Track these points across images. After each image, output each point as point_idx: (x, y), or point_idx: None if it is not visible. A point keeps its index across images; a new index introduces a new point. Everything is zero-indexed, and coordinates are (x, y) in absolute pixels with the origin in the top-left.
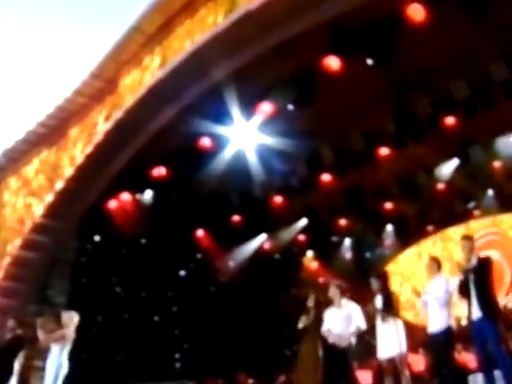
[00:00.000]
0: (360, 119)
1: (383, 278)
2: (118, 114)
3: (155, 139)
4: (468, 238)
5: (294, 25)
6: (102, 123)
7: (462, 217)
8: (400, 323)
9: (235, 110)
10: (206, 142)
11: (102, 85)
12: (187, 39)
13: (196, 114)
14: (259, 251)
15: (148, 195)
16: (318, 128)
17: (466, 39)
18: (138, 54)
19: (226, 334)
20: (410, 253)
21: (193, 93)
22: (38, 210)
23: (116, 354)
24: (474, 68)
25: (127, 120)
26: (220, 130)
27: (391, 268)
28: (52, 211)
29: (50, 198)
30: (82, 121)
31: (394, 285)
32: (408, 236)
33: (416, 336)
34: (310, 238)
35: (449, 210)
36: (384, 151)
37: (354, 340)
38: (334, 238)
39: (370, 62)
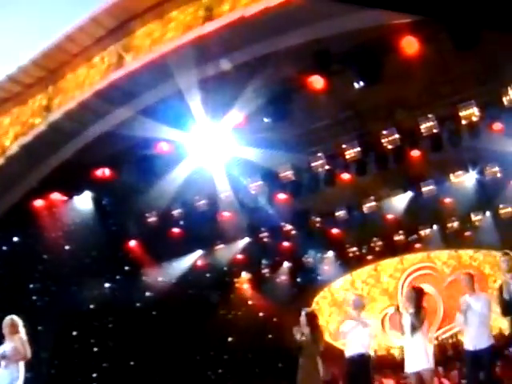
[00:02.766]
0: (324, 142)
1: (420, 293)
2: (55, 115)
3: (100, 141)
4: (507, 254)
5: (267, 44)
6: (39, 117)
7: (402, 249)
8: (427, 338)
9: (196, 118)
10: (161, 147)
11: (43, 74)
12: (150, 42)
13: (152, 119)
14: (192, 268)
15: (83, 198)
16: (280, 145)
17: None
18: (90, 49)
19: (150, 353)
20: (343, 281)
21: (149, 99)
22: None
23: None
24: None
25: (66, 122)
26: (175, 136)
27: (324, 294)
28: None
29: None
30: (14, 111)
31: (324, 312)
32: (346, 264)
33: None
34: (248, 258)
35: (390, 241)
36: (345, 176)
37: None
38: (272, 261)
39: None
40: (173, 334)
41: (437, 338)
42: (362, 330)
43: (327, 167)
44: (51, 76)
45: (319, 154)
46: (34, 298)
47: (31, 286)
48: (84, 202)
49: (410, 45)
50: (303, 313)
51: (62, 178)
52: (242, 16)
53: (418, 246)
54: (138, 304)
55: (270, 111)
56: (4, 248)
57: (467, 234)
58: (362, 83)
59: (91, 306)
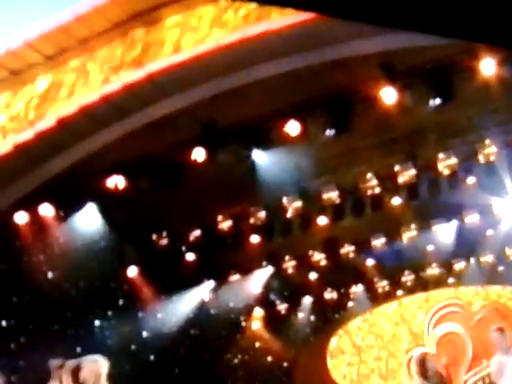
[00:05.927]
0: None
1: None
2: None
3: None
4: None
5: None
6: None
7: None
8: None
9: None
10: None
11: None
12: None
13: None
14: (198, 303)
15: (78, 214)
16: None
17: None
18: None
19: None
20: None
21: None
22: None
23: None
24: None
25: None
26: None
27: (342, 334)
28: None
29: None
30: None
31: (342, 356)
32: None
33: None
34: (265, 291)
35: (422, 275)
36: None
37: None
38: (292, 295)
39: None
40: (171, 382)
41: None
42: None
43: (377, 190)
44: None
45: (368, 175)
46: (6, 339)
47: (3, 323)
48: (78, 219)
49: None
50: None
51: (56, 188)
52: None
53: (451, 280)
54: (132, 347)
55: (331, 122)
56: None
57: (500, 269)
58: (435, 101)
59: (77, 350)
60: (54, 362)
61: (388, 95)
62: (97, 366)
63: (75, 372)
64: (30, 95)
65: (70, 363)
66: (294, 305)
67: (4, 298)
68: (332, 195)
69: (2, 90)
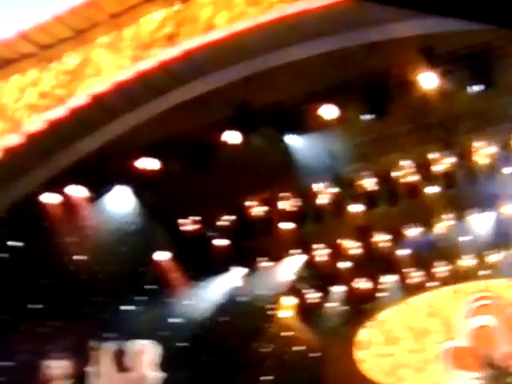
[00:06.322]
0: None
1: None
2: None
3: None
4: None
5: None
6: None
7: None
8: None
9: None
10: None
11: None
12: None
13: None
14: (228, 290)
15: (109, 196)
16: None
17: None
18: None
19: None
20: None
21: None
22: None
23: None
24: None
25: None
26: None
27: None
28: None
29: None
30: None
31: (373, 346)
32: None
33: None
34: (295, 279)
35: (456, 266)
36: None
37: None
38: (323, 284)
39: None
40: (199, 369)
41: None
42: None
43: (412, 178)
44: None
45: (404, 163)
46: (36, 321)
47: (33, 306)
48: (109, 201)
49: None
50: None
51: (87, 168)
52: None
53: (483, 272)
54: (161, 332)
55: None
56: (3, 255)
57: None
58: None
59: (107, 334)
60: (96, 345)
61: (426, 80)
62: (142, 350)
63: (120, 356)
64: (59, 72)
65: (117, 346)
66: (325, 294)
67: (35, 281)
68: (366, 182)
69: (29, 66)
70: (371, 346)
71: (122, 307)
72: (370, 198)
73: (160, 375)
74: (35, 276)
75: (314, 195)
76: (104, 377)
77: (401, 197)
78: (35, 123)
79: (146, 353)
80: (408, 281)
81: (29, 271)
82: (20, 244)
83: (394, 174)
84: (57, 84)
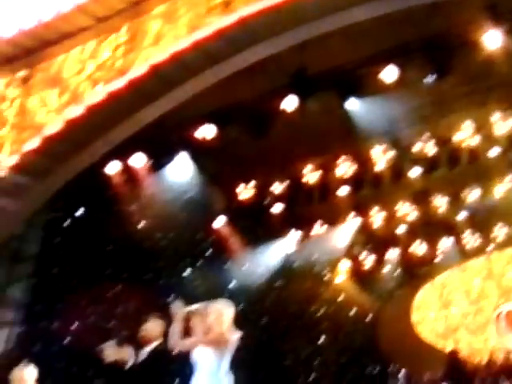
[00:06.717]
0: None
1: None
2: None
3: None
4: None
5: None
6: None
7: None
8: None
9: None
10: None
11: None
12: None
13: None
14: (284, 255)
15: (170, 164)
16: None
17: None
18: None
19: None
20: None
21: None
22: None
23: None
24: None
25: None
26: None
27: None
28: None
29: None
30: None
31: (430, 308)
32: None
33: None
34: (350, 244)
35: None
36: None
37: None
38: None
39: None
40: (255, 332)
41: None
42: None
43: (473, 141)
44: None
45: (465, 125)
46: (102, 287)
47: (97, 271)
48: (168, 169)
49: None
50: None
51: (148, 138)
52: None
53: None
54: (220, 296)
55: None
56: (65, 224)
57: None
58: None
59: (168, 299)
60: (177, 306)
61: (489, 40)
62: (223, 311)
63: (202, 316)
64: (116, 43)
65: (198, 308)
66: (381, 258)
67: (97, 248)
68: (426, 146)
69: (87, 38)
70: (427, 309)
71: (182, 272)
72: (429, 162)
73: (238, 335)
74: (99, 243)
75: (372, 160)
76: (179, 338)
77: (461, 160)
78: (96, 95)
79: (226, 313)
80: (465, 244)
81: (93, 239)
82: (84, 213)
83: (454, 136)
84: (115, 56)
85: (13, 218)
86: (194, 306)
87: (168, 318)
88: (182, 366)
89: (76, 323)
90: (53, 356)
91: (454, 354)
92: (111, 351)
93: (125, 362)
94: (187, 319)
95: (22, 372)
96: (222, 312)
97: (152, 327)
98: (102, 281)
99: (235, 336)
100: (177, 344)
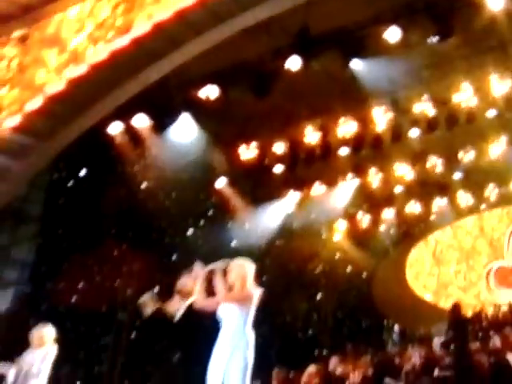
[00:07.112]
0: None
1: None
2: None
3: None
4: None
5: None
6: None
7: None
8: None
9: None
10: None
11: None
12: None
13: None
14: (284, 214)
15: (172, 124)
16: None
17: None
18: None
19: None
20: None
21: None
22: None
23: None
24: None
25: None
26: None
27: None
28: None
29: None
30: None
31: (424, 266)
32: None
33: None
34: (347, 204)
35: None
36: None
37: None
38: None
39: None
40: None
41: None
42: None
43: (471, 102)
44: None
45: (464, 86)
46: (108, 246)
47: (101, 231)
48: (172, 129)
49: None
50: None
51: (151, 98)
52: None
53: None
54: (223, 255)
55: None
56: (69, 184)
57: None
58: None
59: (173, 257)
60: (198, 265)
61: (493, 1)
62: (244, 268)
63: (224, 274)
64: (116, 1)
65: (219, 266)
66: (377, 217)
67: (103, 208)
68: (425, 107)
69: None
70: (420, 266)
71: (185, 232)
72: (428, 123)
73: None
74: (103, 204)
75: (373, 120)
76: (203, 297)
77: (459, 121)
78: (98, 54)
79: (247, 269)
80: (459, 204)
81: (97, 200)
82: (88, 174)
83: (453, 97)
84: (115, 14)
85: (17, 179)
86: (216, 265)
87: (174, 276)
88: (210, 322)
89: (81, 283)
90: (60, 315)
91: (457, 306)
92: (150, 303)
93: (166, 314)
94: (209, 278)
95: (41, 331)
96: (244, 269)
97: (186, 282)
98: (106, 240)
99: (258, 292)
100: (201, 302)
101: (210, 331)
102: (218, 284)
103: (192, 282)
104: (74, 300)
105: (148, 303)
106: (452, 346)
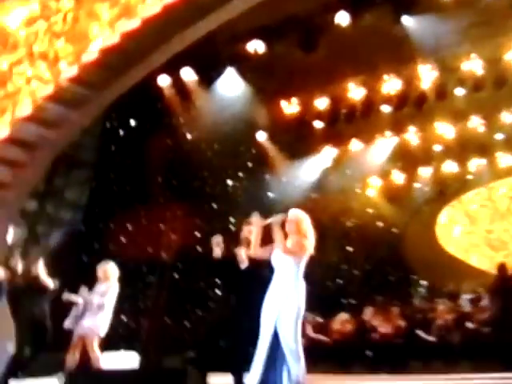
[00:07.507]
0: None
1: None
2: None
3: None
4: None
5: None
6: None
7: None
8: None
9: None
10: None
11: None
12: None
13: None
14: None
15: (219, 79)
16: None
17: None
18: None
19: None
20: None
21: None
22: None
23: None
24: None
25: None
26: None
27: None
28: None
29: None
30: None
31: (455, 225)
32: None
33: None
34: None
35: None
36: None
37: None
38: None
39: None
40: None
41: None
42: None
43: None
44: None
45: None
46: (153, 191)
47: (148, 178)
48: (219, 83)
49: None
50: None
51: (197, 53)
52: None
53: None
54: (260, 206)
55: None
56: (121, 133)
57: None
58: None
59: (214, 206)
60: (256, 217)
61: None
62: (301, 219)
63: (281, 226)
64: None
65: (276, 218)
66: (412, 176)
67: (151, 157)
68: (473, 66)
69: None
70: (452, 224)
71: (225, 182)
72: (474, 82)
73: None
74: (151, 152)
75: (419, 78)
76: (259, 247)
77: (508, 81)
78: (150, 8)
79: (304, 221)
80: (496, 165)
81: (146, 148)
82: (137, 124)
83: (504, 57)
84: None
85: (73, 127)
86: (273, 217)
87: (211, 225)
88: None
89: (130, 225)
90: (110, 254)
91: (503, 266)
92: (221, 245)
93: (234, 258)
94: (267, 229)
95: (105, 267)
96: (300, 220)
97: (245, 232)
98: (153, 187)
99: (312, 243)
100: (257, 252)
101: (265, 282)
102: (275, 235)
103: (249, 232)
104: (123, 240)
105: (220, 244)
106: (487, 303)
